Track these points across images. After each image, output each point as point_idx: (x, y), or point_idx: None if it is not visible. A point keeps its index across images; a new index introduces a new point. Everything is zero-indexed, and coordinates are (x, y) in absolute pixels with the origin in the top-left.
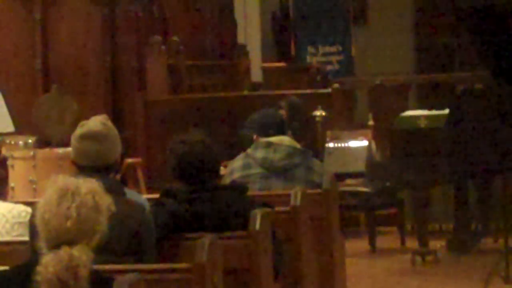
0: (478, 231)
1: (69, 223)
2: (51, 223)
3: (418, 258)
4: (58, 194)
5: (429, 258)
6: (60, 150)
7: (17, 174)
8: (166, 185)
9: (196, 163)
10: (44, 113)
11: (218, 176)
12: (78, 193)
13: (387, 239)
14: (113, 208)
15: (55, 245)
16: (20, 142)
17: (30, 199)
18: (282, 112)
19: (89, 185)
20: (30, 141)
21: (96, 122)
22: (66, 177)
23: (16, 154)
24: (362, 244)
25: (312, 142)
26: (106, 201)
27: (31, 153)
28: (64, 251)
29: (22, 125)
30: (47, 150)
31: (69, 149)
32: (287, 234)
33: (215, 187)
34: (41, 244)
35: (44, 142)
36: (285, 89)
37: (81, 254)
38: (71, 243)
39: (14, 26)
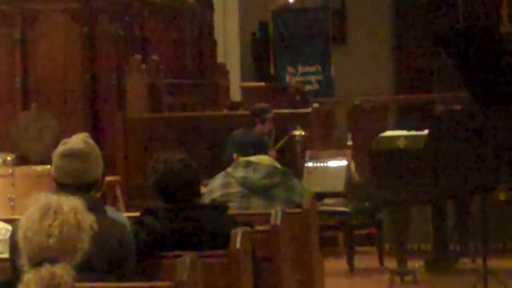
0: (457, 251)
1: (51, 241)
2: (33, 241)
3: (397, 278)
4: (40, 212)
5: (407, 278)
6: (39, 168)
7: None
8: (145, 203)
9: (176, 182)
10: (23, 131)
11: (198, 195)
12: (60, 211)
13: (366, 259)
14: (95, 226)
15: (37, 263)
16: None
17: (8, 217)
18: (270, 119)
19: (71, 203)
20: (8, 158)
21: (78, 140)
22: (48, 195)
23: None
24: (340, 263)
25: (291, 162)
26: (88, 219)
27: (10, 170)
28: (46, 269)
29: (0, 143)
30: (25, 167)
31: (48, 166)
32: (267, 253)
33: (196, 205)
34: (23, 261)
35: (22, 160)
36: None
37: (63, 272)
38: (53, 261)
39: None
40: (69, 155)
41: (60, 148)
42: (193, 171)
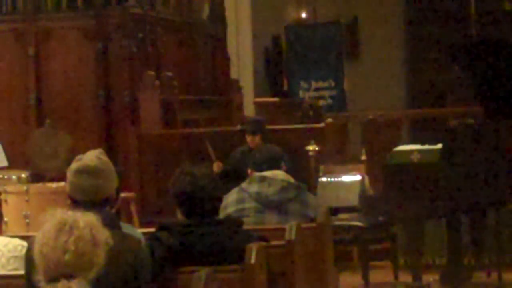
0: (471, 265)
1: (67, 257)
2: (49, 257)
3: None
4: (56, 228)
5: None
6: (54, 185)
7: (10, 209)
8: (160, 219)
9: (199, 196)
10: (38, 148)
11: (218, 212)
12: (76, 227)
13: (381, 274)
14: (110, 241)
15: (53, 279)
16: (14, 177)
17: (23, 234)
18: (248, 135)
19: (86, 219)
20: (23, 175)
21: (92, 157)
22: (64, 211)
23: (10, 188)
24: (355, 278)
25: (305, 176)
26: (104, 234)
27: (25, 187)
28: (62, 285)
29: (15, 160)
30: (40, 184)
31: (63, 183)
32: (282, 268)
33: (211, 221)
34: (39, 277)
35: (37, 177)
36: (278, 124)
37: (79, 287)
38: (69, 276)
39: (7, 62)
40: (83, 171)
41: (74, 164)
42: (217, 187)
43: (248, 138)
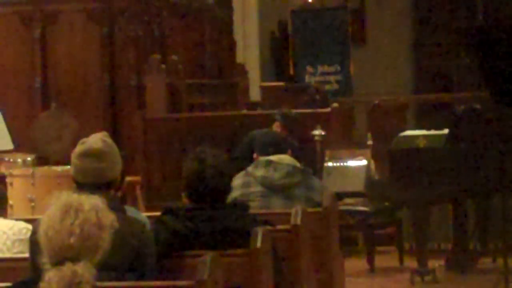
0: (477, 251)
1: (72, 240)
2: (54, 240)
3: (417, 278)
4: (62, 211)
5: (428, 277)
6: (59, 168)
7: (16, 192)
8: (165, 203)
9: (204, 187)
10: (43, 131)
11: (224, 196)
12: (81, 210)
13: (386, 259)
14: (115, 224)
15: (58, 262)
16: (19, 160)
17: (29, 217)
18: (277, 124)
19: (92, 202)
20: (29, 159)
21: (96, 140)
22: (69, 194)
23: (15, 171)
24: (360, 263)
25: (311, 162)
26: (109, 217)
27: (30, 171)
28: (67, 268)
29: (21, 143)
30: (46, 168)
31: (68, 167)
32: (288, 252)
33: (217, 205)
34: (44, 260)
35: (43, 160)
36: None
37: (84, 270)
38: (74, 259)
39: (13, 45)
40: (87, 154)
41: (78, 147)
42: (224, 179)
43: (278, 129)
